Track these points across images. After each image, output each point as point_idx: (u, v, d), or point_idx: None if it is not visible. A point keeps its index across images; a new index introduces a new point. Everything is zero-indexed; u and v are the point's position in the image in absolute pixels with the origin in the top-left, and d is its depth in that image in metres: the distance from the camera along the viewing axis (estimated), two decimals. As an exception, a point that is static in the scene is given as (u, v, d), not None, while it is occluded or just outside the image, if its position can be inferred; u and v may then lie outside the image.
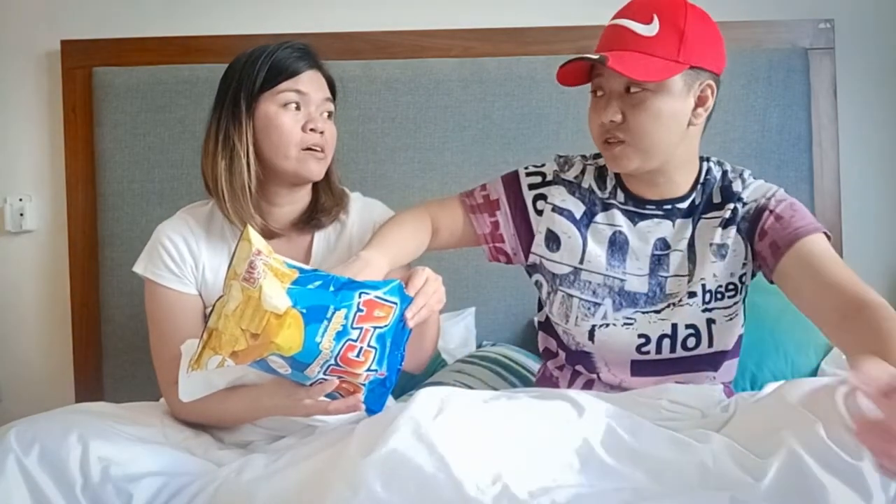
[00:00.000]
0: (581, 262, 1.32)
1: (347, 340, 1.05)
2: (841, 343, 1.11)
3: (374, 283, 1.10)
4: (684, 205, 1.31)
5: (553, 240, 1.34)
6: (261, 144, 1.32)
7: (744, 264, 1.29)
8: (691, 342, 1.29)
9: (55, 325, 2.22)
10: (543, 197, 1.36)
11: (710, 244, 1.28)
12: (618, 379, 1.33)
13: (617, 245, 1.31)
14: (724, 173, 1.32)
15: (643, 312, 1.30)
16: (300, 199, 1.40)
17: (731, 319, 1.30)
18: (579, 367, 1.36)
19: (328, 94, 1.38)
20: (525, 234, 1.37)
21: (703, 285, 1.28)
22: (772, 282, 1.26)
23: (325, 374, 1.07)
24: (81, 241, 2.16)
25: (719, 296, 1.28)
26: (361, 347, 1.06)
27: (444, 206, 1.42)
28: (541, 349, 1.47)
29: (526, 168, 1.40)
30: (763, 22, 2.15)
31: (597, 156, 1.38)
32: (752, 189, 1.30)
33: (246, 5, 2.20)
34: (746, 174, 1.32)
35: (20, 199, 2.20)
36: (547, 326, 1.42)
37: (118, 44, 2.15)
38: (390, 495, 0.87)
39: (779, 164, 2.11)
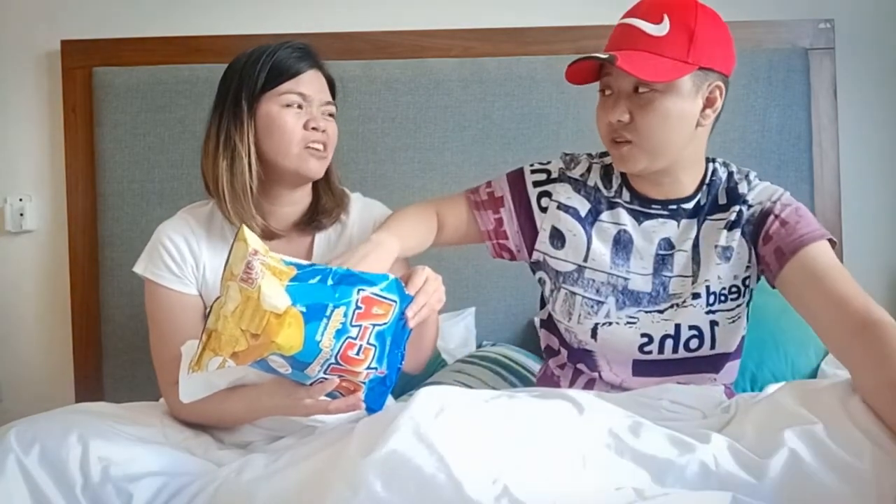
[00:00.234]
0: (585, 259, 1.32)
1: (347, 338, 1.05)
2: (844, 361, 1.11)
3: (372, 277, 1.10)
4: (689, 205, 1.30)
5: (557, 237, 1.35)
6: (262, 144, 1.32)
7: (747, 267, 1.29)
8: (694, 343, 1.29)
9: (55, 325, 2.22)
10: (548, 194, 1.36)
11: (716, 246, 1.28)
12: (619, 378, 1.33)
13: (621, 244, 1.31)
14: (730, 174, 1.31)
15: (646, 312, 1.30)
16: (301, 200, 1.40)
17: (733, 322, 1.30)
18: (581, 366, 1.36)
19: (329, 94, 1.38)
20: (529, 231, 1.37)
21: (708, 287, 1.28)
22: (774, 287, 1.26)
23: (325, 373, 1.07)
24: (81, 241, 2.16)
25: (723, 298, 1.28)
26: (361, 345, 1.06)
27: (450, 202, 1.43)
28: (543, 347, 1.47)
29: (531, 165, 1.40)
30: (763, 22, 2.15)
31: (603, 154, 1.38)
32: (758, 191, 1.29)
33: (246, 5, 2.21)
34: (752, 176, 1.32)
35: (20, 199, 2.20)
36: (549, 324, 1.42)
37: (118, 44, 2.15)
38: (390, 495, 0.87)
39: (779, 164, 2.11)
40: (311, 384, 1.10)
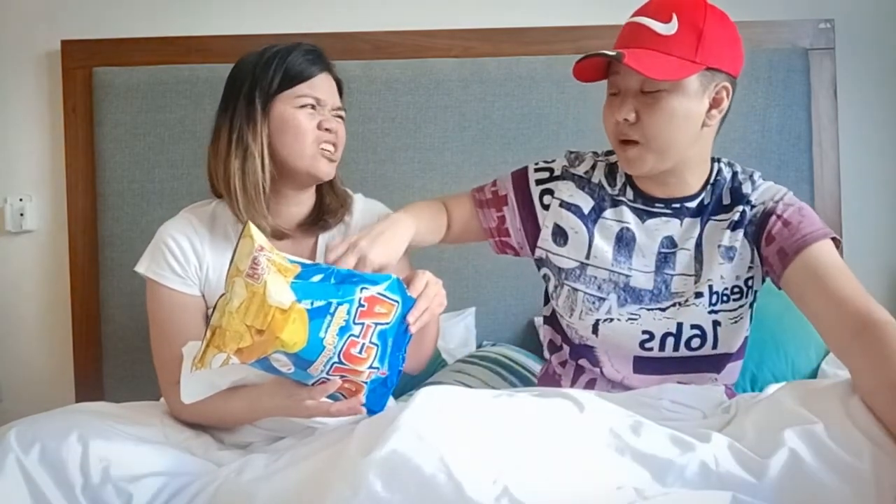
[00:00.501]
0: (587, 257, 1.33)
1: (350, 336, 1.05)
2: (845, 361, 1.11)
3: (374, 277, 1.11)
4: (693, 204, 1.31)
5: (560, 234, 1.35)
6: (276, 144, 1.32)
7: (749, 268, 1.29)
8: (695, 342, 1.29)
9: (55, 324, 2.22)
10: (550, 192, 1.37)
11: (719, 246, 1.28)
12: (620, 375, 1.33)
13: (624, 241, 1.32)
14: (735, 174, 1.32)
15: (648, 309, 1.30)
16: (305, 201, 1.40)
17: (736, 322, 1.30)
18: (583, 362, 1.36)
19: (339, 98, 1.39)
20: (531, 228, 1.38)
21: (710, 286, 1.28)
22: (780, 288, 1.26)
23: (328, 372, 1.07)
24: (81, 241, 2.16)
25: (725, 298, 1.28)
26: (363, 344, 1.06)
27: (456, 199, 1.45)
28: (545, 343, 1.48)
29: (536, 164, 1.41)
30: (763, 22, 2.15)
31: (608, 153, 1.38)
32: (761, 191, 1.29)
33: (246, 5, 2.21)
34: (756, 176, 1.32)
35: (20, 199, 2.20)
36: (552, 320, 1.42)
37: (118, 44, 2.15)
38: (390, 495, 0.87)
39: (779, 164, 2.11)
40: (312, 384, 1.10)
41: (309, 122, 1.32)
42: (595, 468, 0.92)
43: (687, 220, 1.31)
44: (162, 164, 2.11)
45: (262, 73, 1.32)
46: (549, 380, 1.45)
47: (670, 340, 1.29)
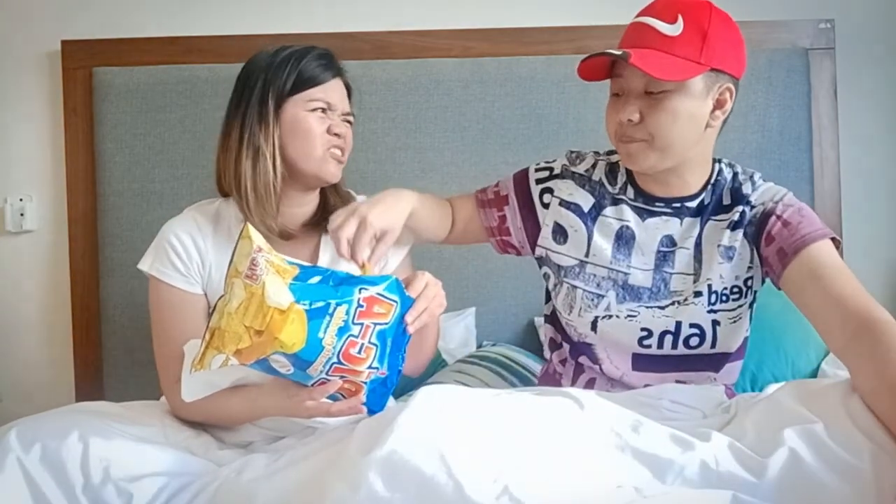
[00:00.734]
0: (586, 255, 1.33)
1: (349, 336, 1.05)
2: (844, 361, 1.11)
3: (373, 278, 1.11)
4: (693, 204, 1.31)
5: (560, 233, 1.36)
6: (286, 146, 1.33)
7: (749, 268, 1.29)
8: (694, 341, 1.29)
9: (55, 324, 2.22)
10: (550, 191, 1.38)
11: (718, 245, 1.28)
12: (619, 372, 1.33)
13: (623, 239, 1.32)
14: (735, 175, 1.32)
15: (647, 307, 1.30)
16: (310, 202, 1.41)
17: (735, 322, 1.30)
18: (582, 360, 1.37)
19: (349, 102, 1.40)
20: (532, 227, 1.39)
21: (710, 286, 1.28)
22: (780, 288, 1.26)
23: (327, 373, 1.07)
24: (82, 241, 2.16)
25: (724, 298, 1.28)
26: (363, 344, 1.06)
27: (460, 199, 1.47)
28: (546, 341, 1.48)
29: (537, 164, 1.43)
30: (763, 22, 2.15)
31: (609, 152, 1.39)
32: (761, 192, 1.30)
33: (246, 6, 2.21)
34: (757, 177, 1.32)
35: (20, 199, 2.20)
36: (553, 319, 1.43)
37: (118, 44, 2.15)
38: (391, 494, 0.87)
39: (779, 164, 2.11)
40: (312, 385, 1.10)
41: (319, 125, 1.33)
42: (595, 467, 0.92)
43: (687, 220, 1.31)
44: (162, 164, 2.11)
45: (275, 74, 1.33)
46: (550, 379, 1.45)
47: (669, 338, 1.29)
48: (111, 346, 2.11)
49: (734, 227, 1.28)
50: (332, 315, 1.04)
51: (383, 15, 2.18)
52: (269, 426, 1.28)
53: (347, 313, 1.05)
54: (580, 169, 1.37)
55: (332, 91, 1.35)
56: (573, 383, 1.38)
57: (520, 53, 2.14)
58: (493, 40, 2.16)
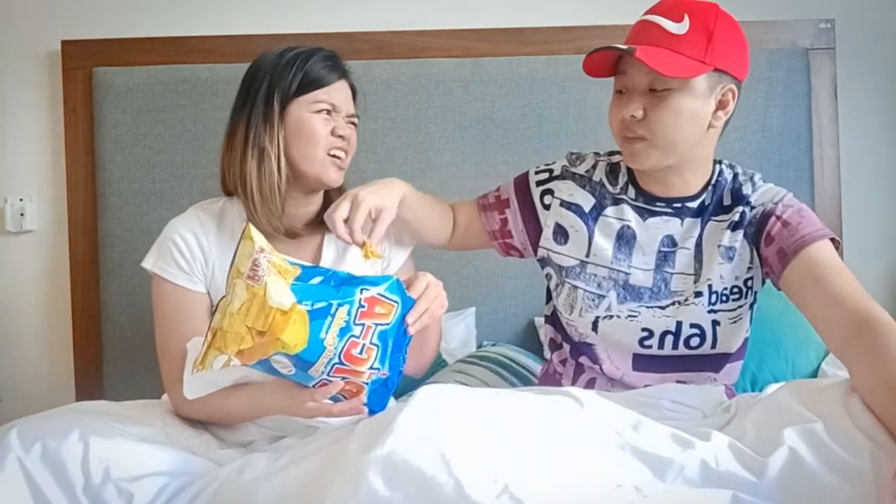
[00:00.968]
0: (587, 255, 1.34)
1: (350, 337, 1.05)
2: (844, 361, 1.11)
3: (374, 279, 1.11)
4: (694, 204, 1.31)
5: (561, 234, 1.36)
6: (290, 147, 1.33)
7: (749, 268, 1.29)
8: (695, 341, 1.29)
9: (56, 324, 2.22)
10: (550, 192, 1.38)
11: (719, 246, 1.28)
12: (620, 372, 1.34)
13: (624, 239, 1.32)
14: (735, 176, 1.32)
15: (647, 307, 1.30)
16: (314, 202, 1.41)
17: (735, 322, 1.30)
18: (583, 360, 1.37)
19: (353, 104, 1.41)
20: (533, 228, 1.39)
21: (710, 286, 1.28)
22: (780, 289, 1.26)
23: (329, 374, 1.07)
24: (82, 241, 2.16)
25: (724, 298, 1.29)
26: (364, 344, 1.06)
27: (462, 204, 1.49)
28: (546, 341, 1.48)
29: (537, 167, 1.43)
30: (763, 22, 2.15)
31: (610, 153, 1.40)
32: (761, 193, 1.30)
33: (246, 6, 2.21)
34: (757, 178, 1.32)
35: (21, 200, 2.20)
36: (554, 319, 1.43)
37: (118, 44, 2.15)
38: (391, 493, 0.87)
39: (779, 164, 2.11)
40: (313, 386, 1.10)
41: (323, 127, 1.33)
42: (595, 466, 0.92)
43: (688, 220, 1.31)
44: (162, 164, 2.11)
45: (280, 75, 1.33)
46: (550, 379, 1.45)
47: (669, 338, 1.30)
48: (111, 346, 2.11)
49: (734, 227, 1.28)
50: (333, 316, 1.04)
51: (383, 15, 2.18)
52: (270, 425, 1.28)
53: (349, 314, 1.05)
54: (580, 170, 1.38)
55: (336, 93, 1.36)
56: (573, 383, 1.38)
57: (520, 53, 2.14)
58: (494, 40, 2.16)
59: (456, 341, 2.01)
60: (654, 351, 1.31)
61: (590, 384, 1.36)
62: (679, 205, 1.31)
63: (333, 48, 1.42)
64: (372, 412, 1.12)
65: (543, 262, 1.41)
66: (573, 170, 1.38)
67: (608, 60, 1.26)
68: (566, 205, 1.36)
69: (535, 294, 1.99)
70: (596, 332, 1.33)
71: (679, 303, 1.29)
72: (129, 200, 2.11)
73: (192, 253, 1.33)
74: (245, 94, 1.36)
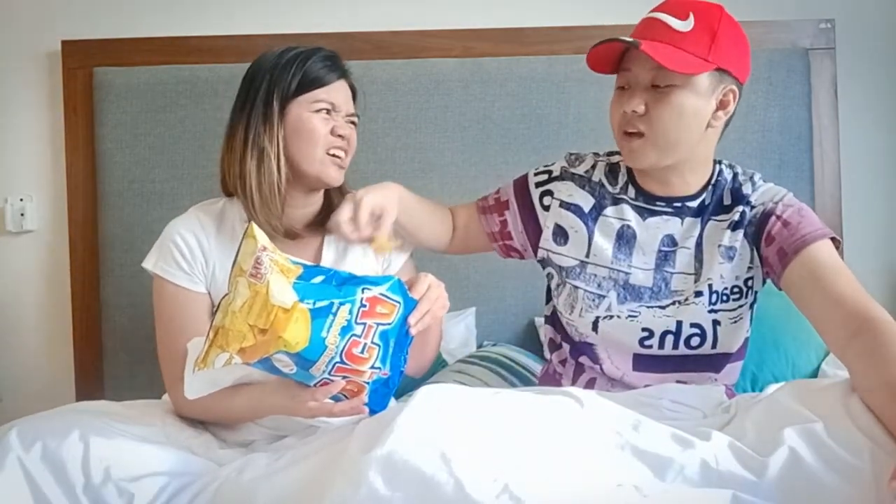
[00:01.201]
0: (587, 255, 1.34)
1: (352, 336, 1.05)
2: (843, 361, 1.11)
3: (375, 279, 1.11)
4: (694, 204, 1.31)
5: (560, 234, 1.36)
6: (289, 147, 1.33)
7: (749, 268, 1.29)
8: (695, 341, 1.29)
9: (56, 324, 2.22)
10: (550, 193, 1.38)
11: (719, 245, 1.29)
12: (620, 372, 1.34)
13: (624, 239, 1.33)
14: (735, 175, 1.33)
15: (648, 307, 1.30)
16: (314, 203, 1.41)
17: (735, 322, 1.30)
18: (583, 360, 1.37)
19: (353, 104, 1.41)
20: (533, 229, 1.39)
21: (710, 286, 1.28)
22: (781, 289, 1.26)
23: (330, 373, 1.07)
24: (82, 242, 2.16)
25: (725, 298, 1.29)
26: (365, 344, 1.06)
27: (461, 207, 1.49)
28: (546, 342, 1.49)
29: (536, 168, 1.43)
30: (763, 22, 2.15)
31: (609, 153, 1.40)
32: (761, 192, 1.30)
33: (246, 6, 2.21)
34: (757, 177, 1.33)
35: (21, 200, 2.20)
36: (553, 319, 1.43)
37: (118, 44, 2.15)
38: (391, 493, 0.87)
39: (779, 163, 2.11)
40: (315, 385, 1.10)
41: (323, 126, 1.33)
42: (595, 466, 0.92)
43: (688, 220, 1.31)
44: (162, 164, 2.11)
45: (280, 74, 1.33)
46: (550, 379, 1.45)
47: (670, 338, 1.30)
48: (111, 346, 2.11)
49: (734, 227, 1.28)
50: (335, 314, 1.04)
51: (383, 15, 2.18)
52: (271, 425, 1.28)
53: (350, 313, 1.05)
54: (580, 170, 1.38)
55: (336, 92, 1.36)
56: (573, 383, 1.38)
57: (520, 53, 2.14)
58: (494, 40, 2.16)
59: (456, 341, 2.01)
60: (655, 351, 1.31)
61: (590, 384, 1.36)
62: (679, 204, 1.31)
63: (334, 48, 1.42)
64: (373, 412, 1.12)
65: (543, 263, 1.41)
66: (572, 170, 1.38)
67: (611, 57, 1.27)
68: (566, 205, 1.36)
69: (535, 294, 1.99)
70: (596, 332, 1.33)
71: (679, 302, 1.29)
72: (130, 200, 2.11)
73: (193, 253, 1.33)
74: (245, 95, 1.36)
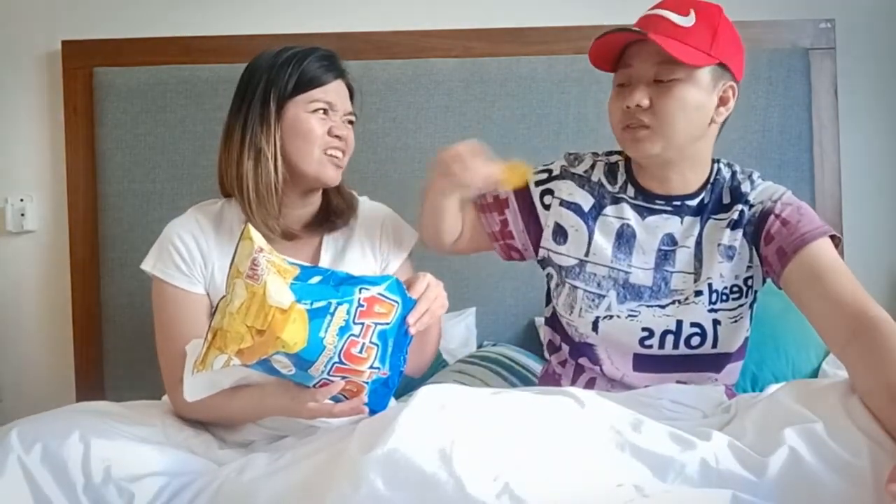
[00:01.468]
0: (586, 254, 1.34)
1: (350, 336, 1.05)
2: (844, 361, 1.11)
3: (373, 278, 1.11)
4: (693, 202, 1.32)
5: (560, 233, 1.36)
6: (286, 147, 1.33)
7: (748, 267, 1.29)
8: (695, 341, 1.29)
9: (56, 325, 2.22)
10: (550, 192, 1.38)
11: (719, 244, 1.29)
12: (620, 372, 1.34)
13: (624, 238, 1.33)
14: (734, 174, 1.33)
15: (647, 306, 1.30)
16: (312, 203, 1.41)
17: (735, 322, 1.30)
18: (582, 360, 1.37)
19: (350, 103, 1.40)
20: (534, 229, 1.39)
21: (710, 285, 1.28)
22: (780, 288, 1.26)
23: (329, 373, 1.07)
24: (82, 242, 2.16)
25: (725, 297, 1.29)
26: (364, 343, 1.06)
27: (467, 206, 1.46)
28: (545, 343, 1.48)
29: (535, 168, 1.42)
30: (763, 22, 2.15)
31: (608, 153, 1.40)
32: (759, 191, 1.30)
33: (247, 6, 2.21)
34: (755, 176, 1.33)
35: (21, 200, 2.20)
36: (553, 321, 1.43)
37: (118, 44, 2.15)
38: (391, 493, 0.87)
39: (779, 164, 2.11)
40: (314, 385, 1.10)
41: (320, 126, 1.33)
42: (596, 465, 0.92)
43: (687, 219, 1.32)
44: (162, 164, 2.11)
45: (277, 74, 1.33)
46: (550, 380, 1.45)
47: (670, 338, 1.30)
48: (111, 346, 2.11)
49: (734, 226, 1.29)
50: (332, 315, 1.04)
51: (384, 15, 2.18)
52: (271, 425, 1.28)
53: (348, 313, 1.05)
54: (579, 170, 1.38)
55: (333, 92, 1.35)
56: (573, 384, 1.38)
57: (520, 53, 2.14)
58: (494, 40, 2.16)
59: (456, 341, 2.01)
60: (655, 351, 1.31)
61: (589, 384, 1.36)
62: (678, 203, 1.32)
63: (334, 48, 1.42)
64: (372, 412, 1.12)
65: (544, 262, 1.41)
66: (572, 170, 1.38)
67: (611, 54, 1.27)
68: (566, 204, 1.36)
69: (535, 294, 1.99)
70: (596, 332, 1.33)
71: (679, 302, 1.29)
72: (129, 200, 2.11)
73: (192, 255, 1.33)
74: (242, 95, 1.36)
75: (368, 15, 2.19)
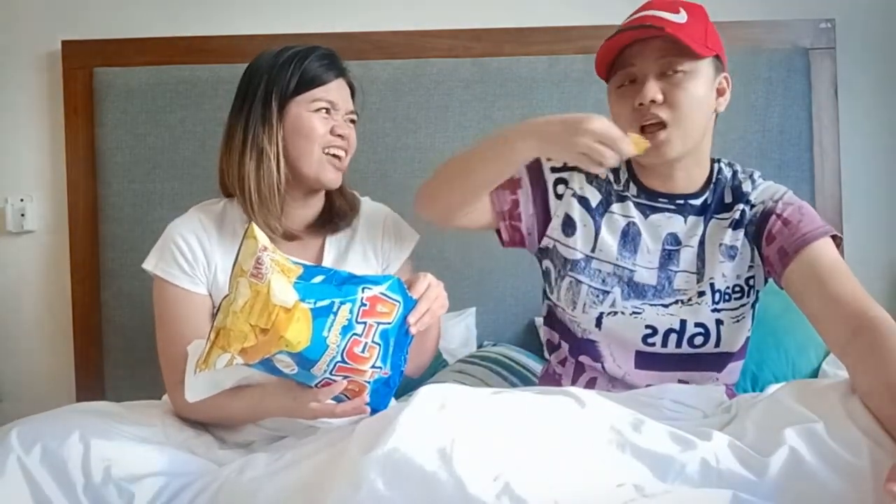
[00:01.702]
0: (593, 250, 1.34)
1: (353, 335, 1.05)
2: (844, 361, 1.12)
3: (375, 278, 1.11)
4: (697, 202, 1.32)
5: (570, 225, 1.36)
6: (288, 147, 1.33)
7: (750, 267, 1.30)
8: (698, 340, 1.30)
9: (56, 325, 2.22)
10: (565, 182, 1.37)
11: (720, 244, 1.29)
12: (622, 370, 1.33)
13: (629, 236, 1.33)
14: (735, 173, 1.34)
15: (651, 305, 1.31)
16: (315, 204, 1.41)
17: (737, 321, 1.31)
18: (583, 358, 1.36)
19: (352, 102, 1.41)
20: (542, 215, 1.38)
21: (713, 285, 1.28)
22: (782, 288, 1.26)
23: (331, 373, 1.07)
24: (82, 242, 2.16)
25: (727, 297, 1.29)
26: (366, 343, 1.07)
27: None
28: (544, 343, 1.48)
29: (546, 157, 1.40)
30: (763, 22, 2.15)
31: None
32: (761, 190, 1.31)
33: (247, 6, 2.21)
34: (756, 175, 1.33)
35: (21, 200, 2.20)
36: (551, 319, 1.42)
37: (118, 44, 2.15)
38: (392, 493, 0.87)
39: (779, 164, 2.11)
40: (316, 385, 1.10)
41: (322, 126, 1.34)
42: (596, 465, 0.92)
43: (691, 219, 1.32)
44: (162, 164, 2.11)
45: (278, 74, 1.33)
46: (550, 380, 1.45)
47: (673, 336, 1.30)
48: (111, 346, 2.11)
49: (735, 226, 1.29)
50: (336, 314, 1.04)
51: (383, 15, 2.18)
52: (271, 426, 1.28)
53: (351, 312, 1.05)
54: None
55: (335, 91, 1.36)
56: (573, 383, 1.38)
57: (520, 53, 2.14)
58: (494, 40, 2.15)
59: (456, 341, 2.01)
60: (658, 349, 1.31)
61: (590, 384, 1.36)
62: (682, 202, 1.32)
63: (334, 48, 1.42)
64: (374, 412, 1.12)
65: (544, 253, 1.39)
66: None
67: (606, 60, 1.27)
68: (577, 197, 1.36)
69: (535, 294, 1.98)
70: (600, 328, 1.32)
71: (682, 301, 1.30)
72: (130, 200, 2.11)
73: (194, 254, 1.33)
74: (243, 95, 1.36)
75: (368, 15, 2.19)
